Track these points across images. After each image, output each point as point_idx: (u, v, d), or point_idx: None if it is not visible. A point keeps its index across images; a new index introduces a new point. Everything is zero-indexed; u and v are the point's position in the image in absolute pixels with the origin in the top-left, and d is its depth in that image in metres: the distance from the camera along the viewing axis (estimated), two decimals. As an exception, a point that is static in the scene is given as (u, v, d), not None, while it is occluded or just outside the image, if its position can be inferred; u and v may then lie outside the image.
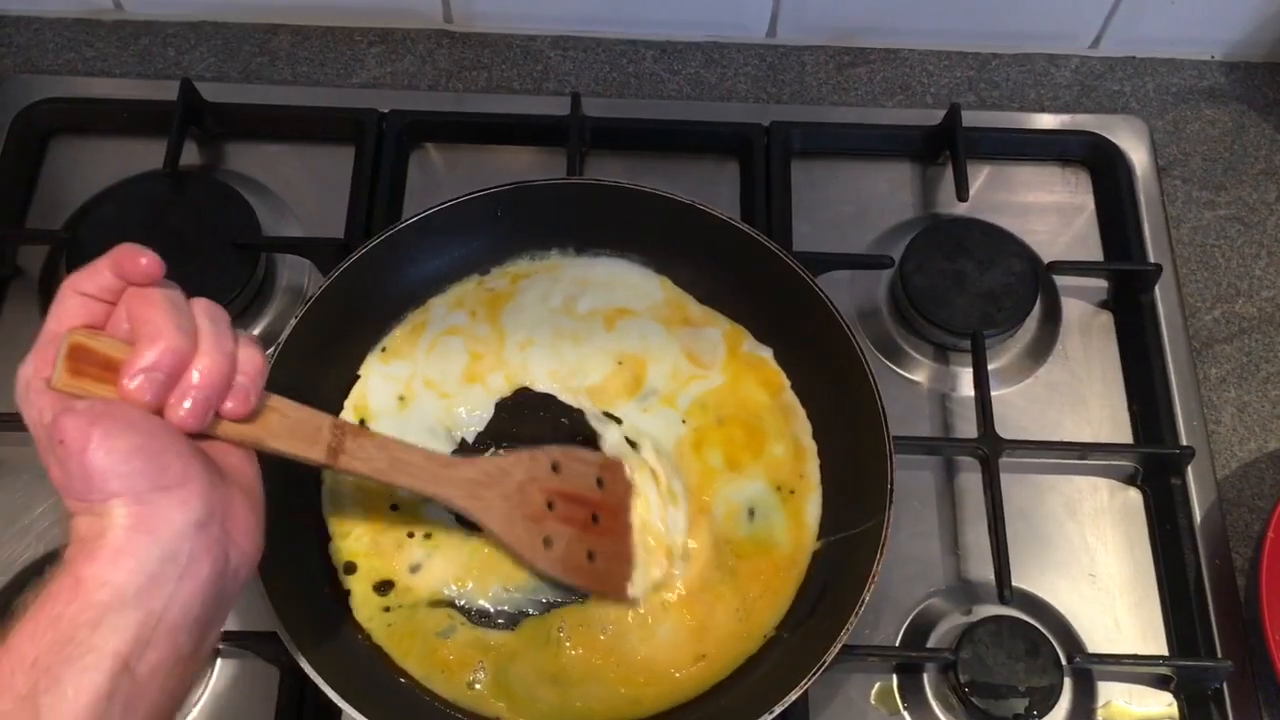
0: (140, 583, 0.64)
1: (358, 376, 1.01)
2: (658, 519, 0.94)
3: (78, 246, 1.08)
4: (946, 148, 1.18)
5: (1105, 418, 1.09)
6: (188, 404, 0.68)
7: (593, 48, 1.28)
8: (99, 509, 0.64)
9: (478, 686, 0.90)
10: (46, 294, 1.10)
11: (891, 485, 0.90)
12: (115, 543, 0.64)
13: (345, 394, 1.00)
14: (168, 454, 0.66)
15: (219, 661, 0.96)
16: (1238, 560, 1.03)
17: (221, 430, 0.71)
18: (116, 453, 0.64)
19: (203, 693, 0.95)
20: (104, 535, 0.64)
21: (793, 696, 0.83)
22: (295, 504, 0.94)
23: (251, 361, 0.71)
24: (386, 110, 1.18)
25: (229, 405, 0.70)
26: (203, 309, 0.70)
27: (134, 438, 0.65)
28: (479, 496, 0.86)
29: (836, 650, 0.85)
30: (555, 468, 0.91)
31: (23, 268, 1.13)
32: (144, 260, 0.68)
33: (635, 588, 0.92)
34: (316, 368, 0.98)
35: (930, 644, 0.98)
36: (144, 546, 0.64)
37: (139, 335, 0.67)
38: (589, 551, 0.91)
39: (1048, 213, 1.19)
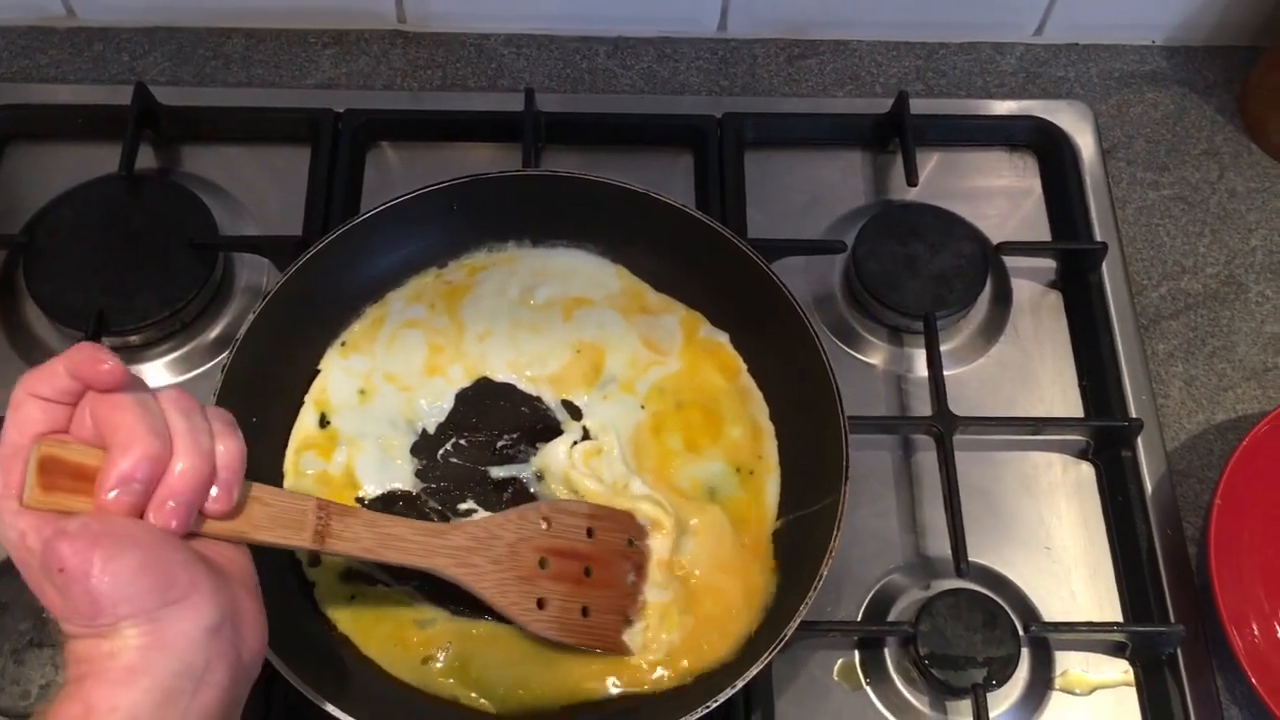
0: (156, 700, 0.61)
1: (318, 371, 1.02)
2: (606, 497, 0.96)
3: (35, 250, 1.09)
4: (896, 135, 1.20)
5: (1057, 394, 1.11)
6: (171, 507, 0.65)
7: (546, 45, 1.29)
8: (107, 632, 0.62)
9: (437, 665, 0.91)
10: (4, 298, 1.11)
11: (847, 462, 0.91)
12: (128, 663, 0.61)
13: (306, 389, 1.01)
14: (172, 565, 0.64)
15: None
16: (1189, 530, 1.05)
17: (206, 528, 0.69)
18: (123, 574, 0.61)
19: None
20: (115, 656, 0.61)
21: (753, 672, 0.84)
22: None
23: (230, 454, 0.68)
24: (342, 110, 1.18)
25: (212, 503, 0.68)
26: (172, 403, 0.67)
27: (136, 555, 0.62)
28: (470, 564, 0.84)
29: (795, 625, 0.86)
30: (546, 523, 0.90)
31: (-20, 274, 1.13)
32: (106, 366, 0.64)
33: (632, 638, 0.91)
34: (276, 363, 0.98)
35: (890, 619, 0.99)
36: (159, 663, 0.62)
37: (111, 443, 0.64)
38: (583, 607, 0.90)
39: (996, 197, 1.21)
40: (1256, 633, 1.00)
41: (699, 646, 0.91)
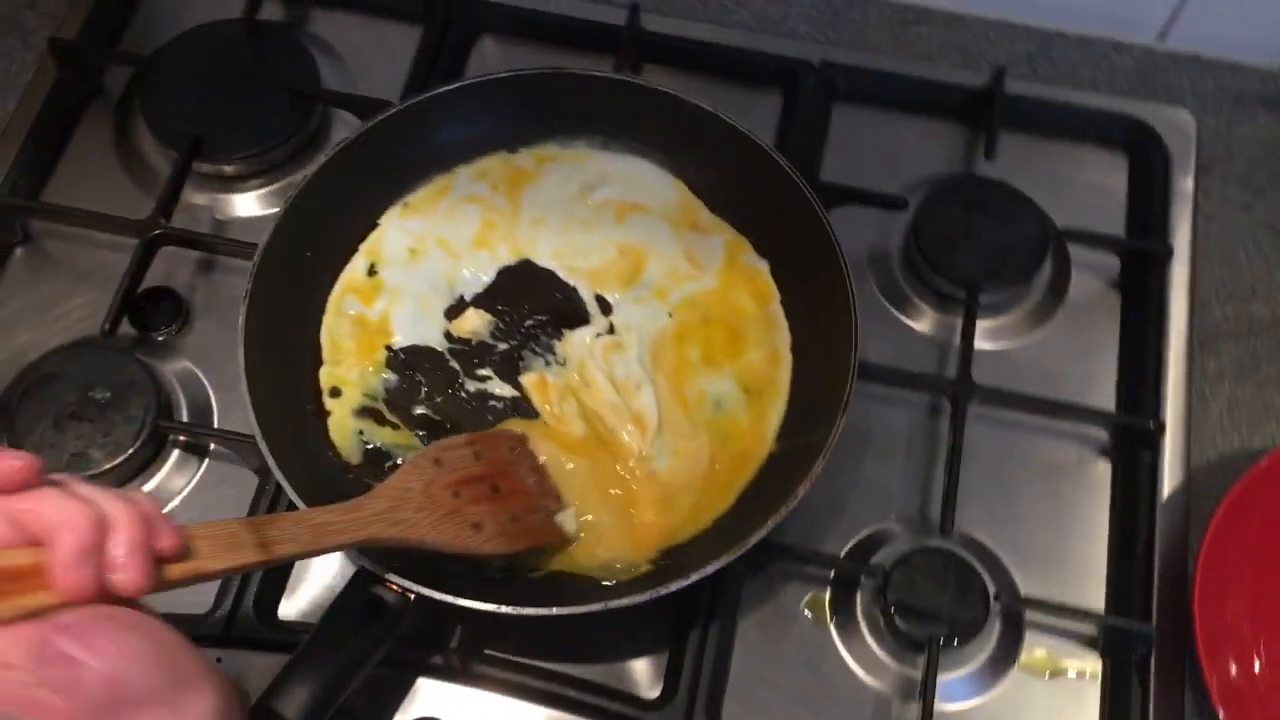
0: None
1: (376, 225, 1.08)
2: (610, 395, 1.00)
3: (156, 72, 1.18)
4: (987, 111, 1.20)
5: (1090, 389, 1.10)
6: (131, 559, 0.62)
7: (664, -29, 1.32)
8: None
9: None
10: (122, 112, 1.21)
11: (849, 396, 0.93)
12: None
13: (362, 239, 1.07)
14: (175, 648, 0.64)
15: (206, 461, 1.05)
16: (1193, 548, 1.03)
17: (167, 575, 0.65)
18: (135, 655, 0.61)
19: (186, 488, 1.03)
20: None
21: (710, 570, 0.87)
22: (294, 325, 1.01)
23: (147, 503, 0.65)
24: (457, -2, 1.25)
25: (163, 545, 0.64)
26: (76, 481, 0.64)
27: (140, 637, 0.62)
28: (399, 521, 0.86)
29: (761, 534, 0.88)
30: (437, 463, 0.92)
31: (106, 88, 1.23)
32: (17, 464, 0.61)
33: (568, 523, 0.96)
34: (339, 209, 1.05)
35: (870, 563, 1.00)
36: None
37: (48, 526, 0.60)
38: (511, 515, 0.93)
39: (1077, 190, 1.20)
40: (1233, 662, 0.98)
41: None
